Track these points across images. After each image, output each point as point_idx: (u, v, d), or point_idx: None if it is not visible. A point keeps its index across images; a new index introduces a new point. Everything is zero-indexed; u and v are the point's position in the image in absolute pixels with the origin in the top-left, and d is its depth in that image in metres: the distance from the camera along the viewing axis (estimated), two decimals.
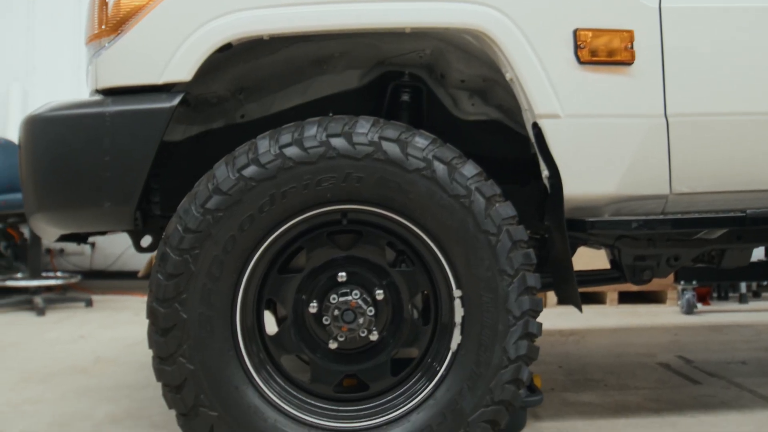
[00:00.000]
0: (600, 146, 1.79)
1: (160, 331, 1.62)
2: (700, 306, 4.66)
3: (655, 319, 4.36)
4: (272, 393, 1.68)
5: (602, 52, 1.77)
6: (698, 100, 1.84)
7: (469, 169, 1.67)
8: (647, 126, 1.81)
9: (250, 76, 2.04)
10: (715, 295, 5.09)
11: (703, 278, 4.34)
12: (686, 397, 2.58)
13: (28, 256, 5.20)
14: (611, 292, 4.86)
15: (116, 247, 6.30)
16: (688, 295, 4.52)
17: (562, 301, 2.03)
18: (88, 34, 1.86)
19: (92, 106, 1.72)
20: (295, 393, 1.72)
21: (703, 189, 1.87)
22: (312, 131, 1.64)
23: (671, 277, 4.43)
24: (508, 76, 1.78)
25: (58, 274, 5.69)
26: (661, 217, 1.88)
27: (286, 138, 1.64)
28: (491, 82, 2.08)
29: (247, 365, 1.67)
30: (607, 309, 4.75)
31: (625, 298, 4.93)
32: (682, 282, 4.45)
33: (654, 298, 5.04)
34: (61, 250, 6.42)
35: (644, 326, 4.13)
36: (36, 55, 6.35)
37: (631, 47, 1.77)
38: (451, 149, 1.69)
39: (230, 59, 1.90)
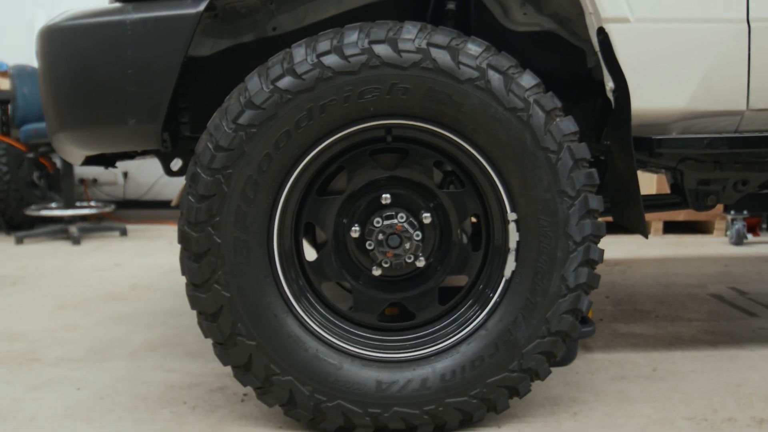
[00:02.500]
0: (672, 55, 1.62)
1: (193, 257, 1.52)
2: (750, 237, 4.48)
3: (702, 250, 4.20)
4: (313, 322, 1.59)
5: None
6: None
7: (527, 79, 1.51)
8: (726, 32, 1.62)
9: None
10: (764, 226, 4.90)
11: (755, 208, 4.13)
12: (743, 329, 2.46)
13: (61, 185, 5.19)
14: (656, 221, 4.69)
15: (149, 177, 6.27)
16: (738, 225, 4.33)
17: (622, 226, 1.88)
18: None
19: (112, 14, 1.59)
20: (337, 322, 1.63)
21: None
22: (353, 37, 1.48)
23: (719, 206, 4.23)
24: None
25: (92, 203, 5.69)
26: (737, 135, 1.71)
27: (324, 45, 1.48)
28: None
29: (285, 292, 1.57)
30: (652, 239, 4.60)
31: (670, 227, 4.76)
32: (732, 212, 4.26)
33: (700, 228, 4.85)
34: (95, 180, 6.42)
35: (692, 256, 3.98)
36: None
37: None
38: (507, 57, 1.52)
39: None
